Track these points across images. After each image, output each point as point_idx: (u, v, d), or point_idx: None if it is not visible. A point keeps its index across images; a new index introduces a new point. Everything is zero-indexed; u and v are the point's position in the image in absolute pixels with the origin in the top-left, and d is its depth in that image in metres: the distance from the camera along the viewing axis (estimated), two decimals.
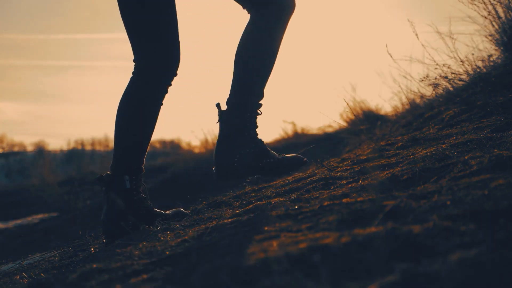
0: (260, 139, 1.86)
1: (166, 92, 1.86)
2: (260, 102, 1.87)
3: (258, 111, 1.86)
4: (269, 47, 1.84)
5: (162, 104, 1.87)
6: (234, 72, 1.86)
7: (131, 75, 1.86)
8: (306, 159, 1.92)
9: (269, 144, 6.78)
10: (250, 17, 1.84)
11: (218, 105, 1.85)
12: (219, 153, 1.83)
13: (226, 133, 1.83)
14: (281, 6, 1.80)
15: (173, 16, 1.82)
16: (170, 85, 1.86)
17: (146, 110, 1.85)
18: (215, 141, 6.62)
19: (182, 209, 1.95)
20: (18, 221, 5.52)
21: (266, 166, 1.82)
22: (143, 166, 1.88)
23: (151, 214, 1.85)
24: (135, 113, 1.84)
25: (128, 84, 1.86)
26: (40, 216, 5.65)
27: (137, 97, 1.84)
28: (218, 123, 1.85)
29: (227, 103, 1.85)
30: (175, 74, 1.85)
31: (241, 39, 1.85)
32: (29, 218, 5.57)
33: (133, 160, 1.85)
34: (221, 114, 1.84)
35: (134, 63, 1.85)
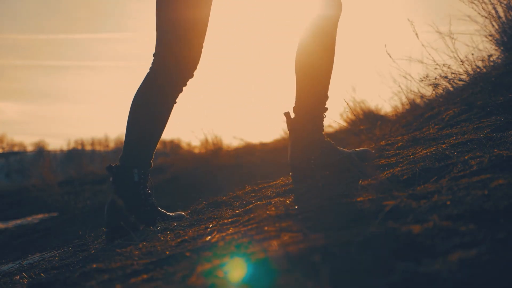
0: (328, 139, 1.94)
1: (181, 91, 1.90)
2: (326, 106, 1.95)
3: (324, 114, 1.94)
4: (327, 49, 1.91)
5: (175, 102, 1.90)
6: (297, 79, 1.94)
7: (149, 69, 1.88)
8: (374, 151, 2.02)
9: (269, 144, 6.79)
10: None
11: (287, 114, 1.93)
12: (295, 158, 1.90)
13: (298, 140, 1.90)
14: (331, 10, 1.89)
15: (205, 22, 1.86)
16: (185, 85, 1.89)
17: (159, 107, 1.87)
18: (215, 141, 6.62)
19: (183, 213, 1.96)
20: (18, 221, 5.51)
21: (340, 162, 1.89)
22: (152, 161, 1.89)
23: (154, 212, 1.86)
24: (148, 108, 1.86)
25: (146, 77, 1.88)
26: (40, 216, 5.64)
27: (152, 93, 1.86)
28: (288, 131, 1.93)
29: (295, 111, 1.93)
30: (192, 76, 1.89)
31: (298, 45, 1.93)
32: (29, 218, 5.56)
33: (143, 154, 1.87)
34: (291, 122, 1.92)
35: (153, 57, 1.87)
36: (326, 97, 1.95)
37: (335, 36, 1.94)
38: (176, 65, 1.84)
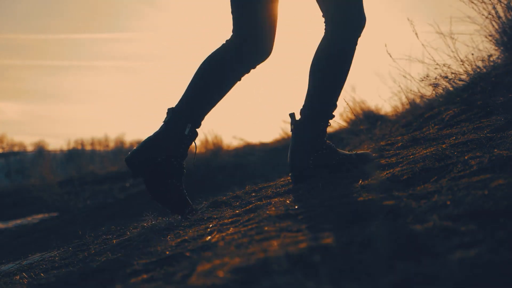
0: (330, 142, 1.97)
1: (248, 72, 1.94)
2: (333, 113, 1.97)
3: (330, 121, 1.97)
4: (343, 61, 1.95)
5: (240, 79, 1.95)
6: (309, 83, 1.97)
7: (226, 41, 1.93)
8: (376, 154, 2.04)
9: (269, 144, 6.79)
10: (326, 31, 1.95)
11: (292, 115, 1.97)
12: (294, 158, 1.93)
13: (299, 141, 1.93)
14: (353, 25, 1.93)
15: (276, 12, 1.93)
16: (254, 68, 1.94)
17: (225, 79, 1.93)
18: (215, 141, 6.62)
19: (191, 206, 1.97)
20: (18, 221, 5.51)
21: (339, 163, 1.92)
22: (202, 122, 1.94)
23: (180, 183, 1.91)
24: (215, 77, 1.91)
25: (222, 48, 1.93)
26: (40, 216, 5.64)
27: (223, 65, 1.92)
28: (292, 131, 1.97)
29: (301, 113, 1.96)
30: (263, 61, 1.94)
31: (316, 51, 1.96)
32: (29, 218, 5.56)
33: (199, 113, 1.91)
34: (296, 123, 1.95)
35: (232, 33, 1.92)
36: (335, 106, 1.97)
37: (354, 48, 1.96)
38: (252, 51, 1.91)
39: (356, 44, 1.96)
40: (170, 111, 1.89)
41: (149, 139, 1.88)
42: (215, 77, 1.91)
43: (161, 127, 1.89)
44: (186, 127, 1.87)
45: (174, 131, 1.87)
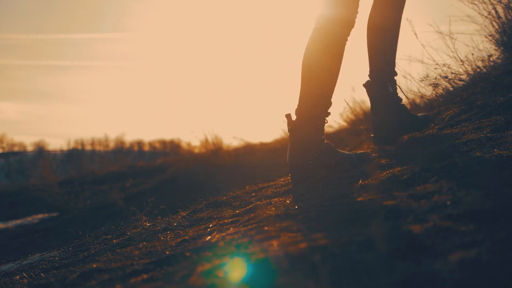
0: (328, 142, 1.98)
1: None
2: (328, 110, 1.98)
3: (326, 119, 1.98)
4: (332, 58, 1.94)
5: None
6: (301, 82, 1.96)
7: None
8: (376, 154, 2.05)
9: (269, 144, 6.79)
10: (314, 27, 1.94)
11: (288, 116, 1.97)
12: (293, 159, 1.94)
13: (298, 141, 1.93)
14: (342, 20, 1.92)
15: None
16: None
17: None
18: (215, 141, 6.62)
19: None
20: (18, 221, 5.51)
21: (339, 163, 1.92)
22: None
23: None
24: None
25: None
26: (40, 216, 5.64)
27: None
28: (289, 132, 1.97)
29: (296, 113, 1.96)
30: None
31: (306, 49, 1.95)
32: (29, 218, 5.56)
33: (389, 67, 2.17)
34: (292, 124, 1.95)
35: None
36: (330, 103, 1.97)
37: (344, 42, 1.94)
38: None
39: (345, 40, 1.94)
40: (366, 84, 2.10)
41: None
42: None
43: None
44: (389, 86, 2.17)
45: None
